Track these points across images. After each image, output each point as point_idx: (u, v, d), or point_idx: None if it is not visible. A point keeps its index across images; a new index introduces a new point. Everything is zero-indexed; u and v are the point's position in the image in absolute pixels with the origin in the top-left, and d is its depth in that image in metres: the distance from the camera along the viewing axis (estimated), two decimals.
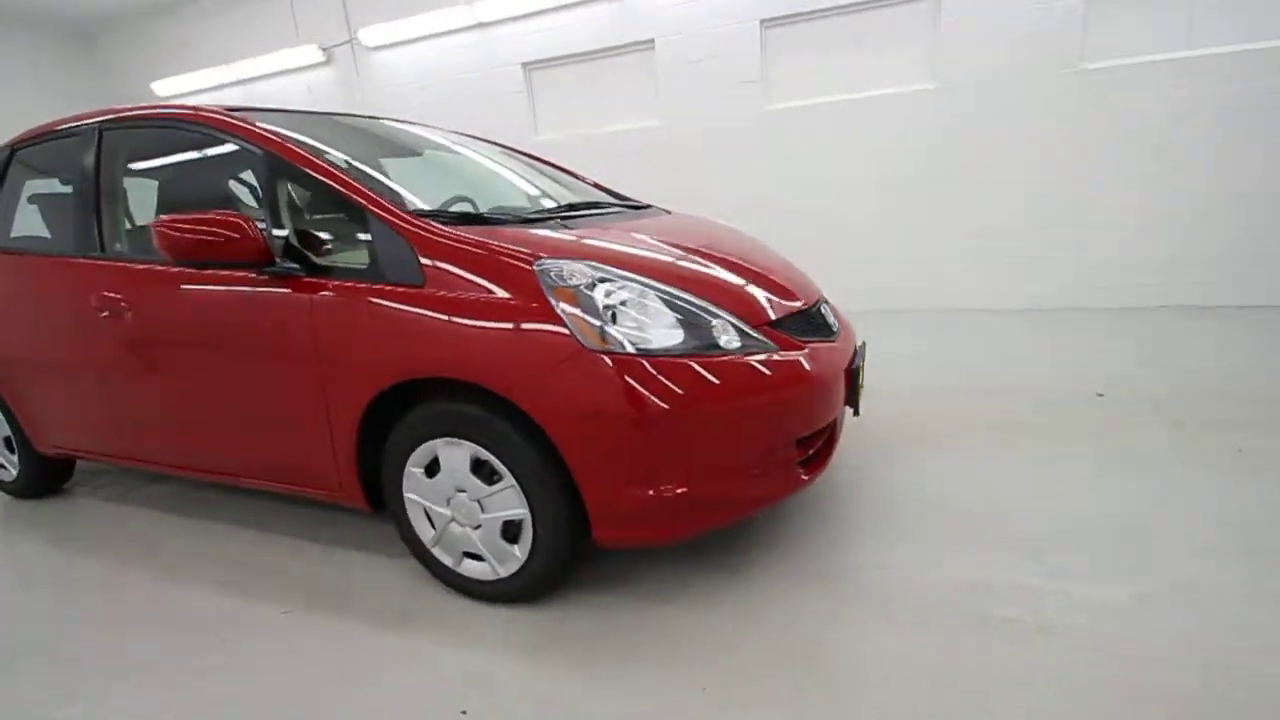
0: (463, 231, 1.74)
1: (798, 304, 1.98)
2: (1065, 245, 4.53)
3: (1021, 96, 4.42)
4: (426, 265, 1.70)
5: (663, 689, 1.51)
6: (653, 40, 5.18)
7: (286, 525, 2.46)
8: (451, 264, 1.69)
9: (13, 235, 2.68)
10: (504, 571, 1.79)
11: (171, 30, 7.06)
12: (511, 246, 1.69)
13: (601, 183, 3.02)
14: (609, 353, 1.55)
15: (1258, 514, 1.98)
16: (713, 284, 1.84)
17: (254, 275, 1.87)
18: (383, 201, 1.78)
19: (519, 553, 1.75)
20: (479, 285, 1.65)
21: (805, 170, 5.03)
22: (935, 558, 1.90)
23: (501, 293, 1.63)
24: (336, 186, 1.83)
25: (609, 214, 2.35)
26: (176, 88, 6.96)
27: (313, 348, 1.83)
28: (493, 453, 1.68)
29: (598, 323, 1.57)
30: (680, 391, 1.55)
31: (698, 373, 1.58)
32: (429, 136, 2.76)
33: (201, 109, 2.10)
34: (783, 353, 1.74)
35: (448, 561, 1.88)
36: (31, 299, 2.50)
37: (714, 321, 1.68)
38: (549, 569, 1.75)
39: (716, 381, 1.59)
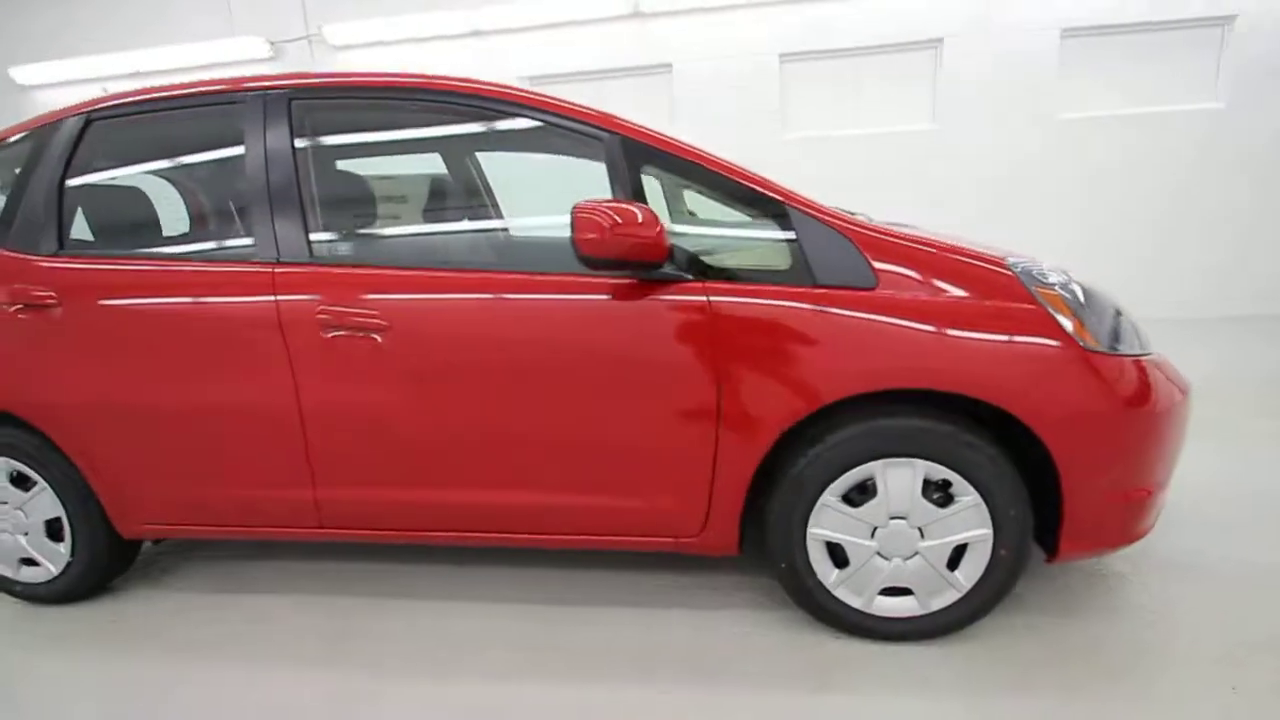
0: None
1: None
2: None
3: (1007, 139, 5.04)
4: (879, 268, 1.53)
5: (1188, 698, 1.46)
6: (670, 64, 5.17)
7: (520, 591, 2.00)
8: (906, 266, 1.54)
9: (74, 236, 1.98)
10: (935, 604, 1.62)
11: (49, 8, 5.68)
12: (975, 247, 1.59)
13: None
14: (1102, 353, 1.50)
15: None
16: None
17: (627, 281, 1.55)
18: (806, 198, 1.58)
19: (963, 579, 1.60)
20: (939, 288, 1.52)
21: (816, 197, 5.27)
22: (1253, 538, 2.05)
23: (967, 294, 1.52)
24: (744, 181, 1.60)
25: None
26: (46, 75, 5.60)
27: (710, 362, 1.55)
28: (957, 470, 1.53)
29: (1087, 324, 1.51)
30: (1160, 390, 1.54)
31: (1162, 372, 1.58)
32: None
33: (493, 83, 1.72)
34: None
35: (854, 602, 1.66)
36: (148, 323, 1.83)
37: (1122, 321, 1.69)
38: (997, 594, 1.61)
39: (1176, 379, 1.61)
